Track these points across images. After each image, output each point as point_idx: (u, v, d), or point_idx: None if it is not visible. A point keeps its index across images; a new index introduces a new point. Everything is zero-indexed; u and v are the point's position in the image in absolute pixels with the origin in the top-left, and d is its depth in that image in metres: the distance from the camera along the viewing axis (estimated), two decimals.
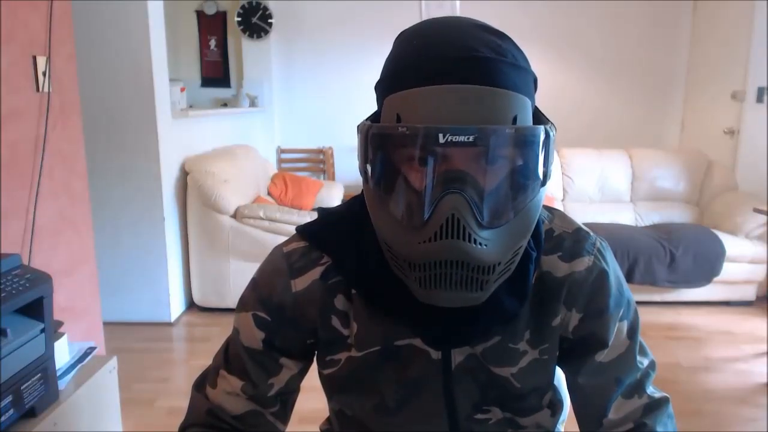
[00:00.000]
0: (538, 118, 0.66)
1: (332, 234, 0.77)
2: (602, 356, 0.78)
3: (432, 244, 0.60)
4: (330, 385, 0.83)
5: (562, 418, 0.98)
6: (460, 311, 0.67)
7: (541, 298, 0.76)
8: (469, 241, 0.59)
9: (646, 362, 0.80)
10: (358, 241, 0.74)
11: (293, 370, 0.80)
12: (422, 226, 0.60)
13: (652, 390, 0.80)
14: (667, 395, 0.81)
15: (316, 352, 0.82)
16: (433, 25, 0.66)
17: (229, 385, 0.79)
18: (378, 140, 0.61)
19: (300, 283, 0.76)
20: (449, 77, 0.59)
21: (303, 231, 0.79)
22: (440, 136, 0.57)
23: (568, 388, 0.84)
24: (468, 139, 0.57)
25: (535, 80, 0.67)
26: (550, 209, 0.81)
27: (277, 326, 0.77)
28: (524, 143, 0.60)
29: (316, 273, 0.76)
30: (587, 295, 0.76)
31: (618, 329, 0.78)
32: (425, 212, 0.60)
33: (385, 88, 0.65)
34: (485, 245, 0.60)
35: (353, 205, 0.79)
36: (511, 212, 0.62)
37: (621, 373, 0.78)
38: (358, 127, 0.65)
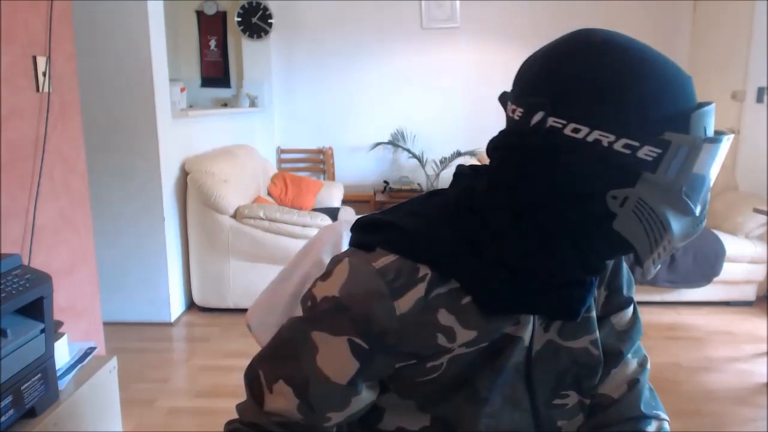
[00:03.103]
0: None
1: (433, 242, 0.71)
2: (615, 319, 0.88)
3: (700, 225, 0.69)
4: (420, 395, 0.77)
5: None
6: (574, 286, 0.73)
7: None
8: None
9: (642, 331, 0.92)
10: (464, 245, 0.71)
11: (360, 405, 0.75)
12: (698, 217, 0.68)
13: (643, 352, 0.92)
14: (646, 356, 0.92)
15: (392, 374, 0.77)
16: (653, 56, 0.73)
17: (284, 400, 0.73)
18: (715, 149, 0.66)
19: (404, 304, 0.69)
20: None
21: (393, 245, 0.72)
22: (726, 141, 0.67)
23: None
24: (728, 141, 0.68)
25: None
26: None
27: (373, 354, 0.71)
28: None
29: (420, 290, 0.70)
30: (610, 273, 0.86)
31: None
32: (700, 201, 0.68)
33: (681, 109, 0.67)
34: None
35: (424, 206, 0.77)
36: None
37: (632, 333, 0.89)
38: (689, 143, 0.65)
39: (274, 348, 0.76)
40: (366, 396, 0.75)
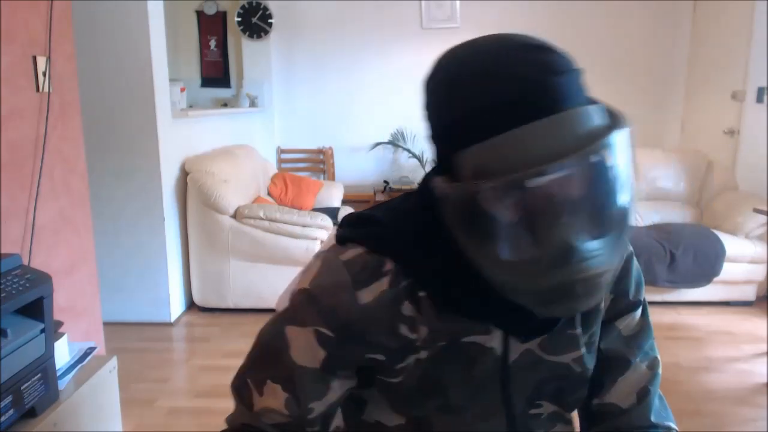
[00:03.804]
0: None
1: (395, 237, 0.73)
2: (621, 325, 0.84)
3: (555, 274, 0.61)
4: (392, 395, 0.79)
5: None
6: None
7: None
8: (586, 261, 0.61)
9: (652, 334, 0.87)
10: (421, 242, 0.72)
11: (338, 392, 0.77)
12: (542, 261, 0.61)
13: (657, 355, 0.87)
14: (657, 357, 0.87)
15: (370, 367, 0.78)
16: (482, 59, 0.63)
17: (274, 399, 0.75)
18: (486, 198, 0.60)
19: (367, 295, 0.72)
20: (522, 119, 0.59)
21: (357, 237, 0.75)
22: (533, 180, 0.58)
23: None
24: (565, 173, 0.58)
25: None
26: None
27: (340, 343, 0.73)
28: (609, 153, 0.61)
29: (384, 283, 0.72)
30: (618, 276, 0.81)
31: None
32: (541, 249, 0.61)
33: (455, 140, 0.63)
34: (601, 256, 0.62)
35: (402, 202, 0.79)
36: (619, 218, 0.64)
37: (641, 339, 0.85)
38: (436, 189, 0.64)
39: (257, 352, 0.79)
40: (342, 385, 0.77)
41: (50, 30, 1.88)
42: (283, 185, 4.49)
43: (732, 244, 3.55)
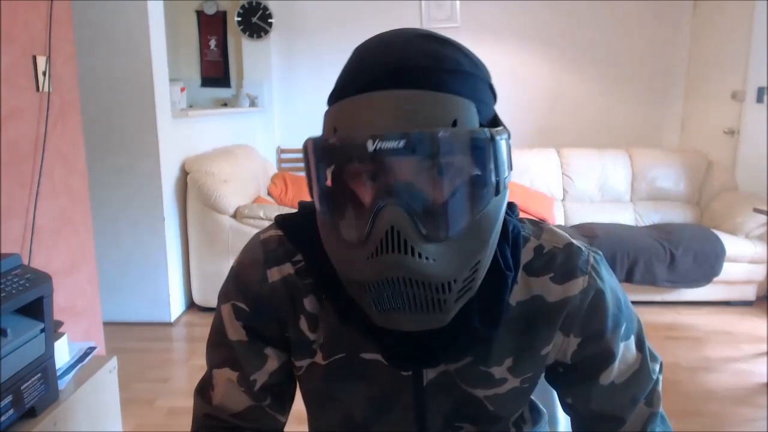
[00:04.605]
0: (495, 123, 0.64)
1: (308, 233, 0.71)
2: (611, 377, 0.75)
3: (376, 260, 0.56)
4: (302, 395, 0.82)
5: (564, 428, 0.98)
6: (429, 331, 0.63)
7: (530, 324, 0.72)
8: (413, 255, 0.55)
9: (657, 368, 0.78)
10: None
11: (275, 362, 0.77)
12: (364, 241, 0.57)
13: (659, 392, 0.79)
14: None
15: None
16: (378, 39, 0.64)
17: (226, 381, 0.77)
18: (316, 154, 0.60)
19: (275, 273, 0.74)
20: (383, 85, 0.57)
21: (281, 222, 0.77)
22: (369, 143, 0.54)
23: (574, 412, 0.80)
24: (398, 144, 0.53)
25: (492, 87, 0.66)
26: (537, 224, 0.77)
27: (255, 316, 0.75)
28: (464, 147, 0.56)
29: (290, 268, 0.74)
30: (584, 317, 0.73)
31: (625, 347, 0.75)
32: (365, 226, 0.57)
33: (328, 100, 0.66)
34: (433, 259, 0.56)
35: None
36: (460, 223, 0.58)
37: (637, 390, 0.76)
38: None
39: (209, 340, 0.81)
40: (277, 353, 0.78)
41: (50, 30, 1.88)
42: (283, 185, 4.49)
43: (732, 244, 3.55)
